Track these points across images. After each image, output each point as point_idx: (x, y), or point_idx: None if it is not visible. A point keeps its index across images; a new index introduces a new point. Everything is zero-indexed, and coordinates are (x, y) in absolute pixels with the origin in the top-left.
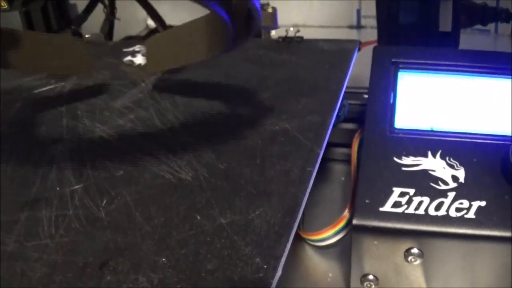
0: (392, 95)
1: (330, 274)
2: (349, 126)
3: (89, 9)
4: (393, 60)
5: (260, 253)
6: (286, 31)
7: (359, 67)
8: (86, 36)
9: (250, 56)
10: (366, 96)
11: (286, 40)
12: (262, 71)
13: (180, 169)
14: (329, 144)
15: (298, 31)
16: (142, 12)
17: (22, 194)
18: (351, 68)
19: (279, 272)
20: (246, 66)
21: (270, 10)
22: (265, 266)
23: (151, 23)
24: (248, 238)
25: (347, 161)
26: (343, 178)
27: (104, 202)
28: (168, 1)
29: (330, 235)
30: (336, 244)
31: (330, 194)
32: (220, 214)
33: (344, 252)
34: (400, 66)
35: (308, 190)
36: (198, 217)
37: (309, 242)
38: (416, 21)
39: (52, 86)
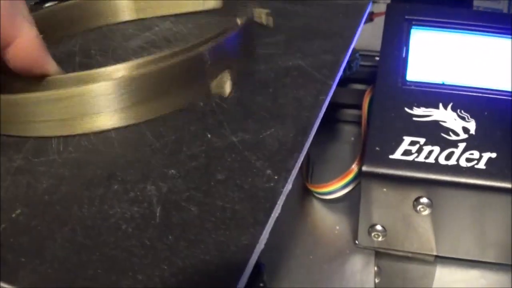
0: (404, 50)
1: (337, 227)
2: (360, 86)
3: None
4: (406, 17)
5: (271, 166)
6: None
7: (371, 34)
8: None
9: (264, 5)
10: (377, 58)
11: None
12: (276, 19)
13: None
14: (339, 105)
15: None
16: None
17: None
18: (364, 18)
19: (289, 184)
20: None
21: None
22: (275, 177)
23: None
24: (260, 154)
25: (357, 122)
26: (352, 139)
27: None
28: None
29: (338, 188)
30: (344, 198)
31: (340, 153)
32: (232, 134)
33: (351, 206)
34: (413, 22)
35: (320, 115)
36: (209, 136)
37: (317, 195)
38: None
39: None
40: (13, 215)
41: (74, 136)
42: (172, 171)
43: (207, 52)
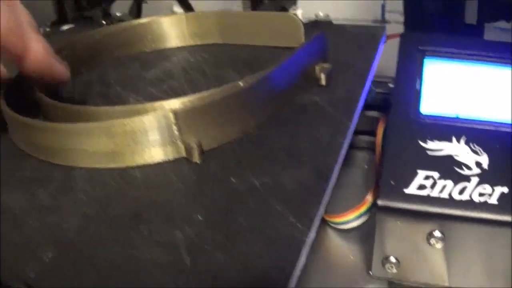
0: (418, 81)
1: (351, 257)
2: (373, 114)
3: None
4: (419, 47)
5: (293, 212)
6: (316, 15)
7: (384, 58)
8: (117, 14)
9: None
10: (391, 85)
11: (316, 23)
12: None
13: None
14: (353, 132)
15: (328, 15)
16: None
17: None
18: (379, 51)
19: (312, 233)
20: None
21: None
22: (298, 224)
23: (177, 9)
24: (282, 199)
25: (370, 149)
26: (366, 166)
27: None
28: None
29: (352, 218)
30: (358, 228)
31: (353, 180)
32: (253, 176)
33: (365, 236)
34: (427, 53)
35: (340, 160)
36: (231, 178)
37: (332, 224)
38: (443, 12)
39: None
40: (42, 256)
41: (99, 173)
42: (197, 215)
43: (252, 86)
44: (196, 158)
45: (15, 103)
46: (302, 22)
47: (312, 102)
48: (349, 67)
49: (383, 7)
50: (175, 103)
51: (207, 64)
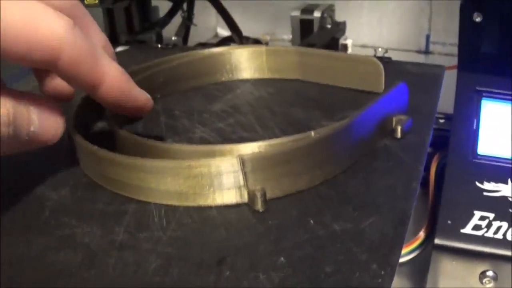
0: (475, 121)
1: None
2: None
3: (172, 12)
4: (477, 88)
5: (375, 260)
6: (375, 50)
7: None
8: (173, 38)
9: None
10: (441, 121)
11: None
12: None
13: None
14: None
15: (386, 51)
16: (212, 19)
17: None
18: (441, 92)
19: (393, 279)
20: None
21: None
22: (382, 273)
23: (220, 31)
24: (363, 246)
25: (421, 184)
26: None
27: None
28: (239, 12)
29: (404, 253)
30: (409, 262)
31: None
32: (333, 221)
33: (416, 270)
34: (484, 94)
35: (414, 205)
36: (312, 222)
37: None
38: (497, 51)
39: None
40: None
41: (174, 212)
42: (281, 259)
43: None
44: (258, 206)
45: (85, 128)
46: (383, 68)
47: (384, 147)
48: (415, 110)
49: (427, 37)
50: (245, 149)
51: (275, 100)
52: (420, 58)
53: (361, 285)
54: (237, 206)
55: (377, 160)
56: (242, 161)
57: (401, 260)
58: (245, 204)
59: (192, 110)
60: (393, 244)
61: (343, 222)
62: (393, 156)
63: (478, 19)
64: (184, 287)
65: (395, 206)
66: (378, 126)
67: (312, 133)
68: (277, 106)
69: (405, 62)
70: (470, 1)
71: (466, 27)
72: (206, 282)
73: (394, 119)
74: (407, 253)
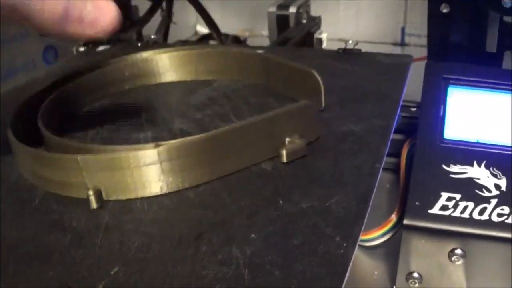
0: (442, 108)
1: (376, 272)
2: (397, 137)
3: (152, 11)
4: (444, 76)
5: (339, 233)
6: (345, 43)
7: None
8: (152, 37)
9: (316, 64)
10: (413, 109)
11: (346, 52)
12: (328, 78)
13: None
14: None
15: (357, 43)
16: (192, 17)
17: None
18: (407, 80)
19: (356, 250)
20: None
21: None
22: (344, 244)
23: (200, 29)
24: (328, 220)
25: (392, 170)
26: (388, 186)
27: (193, 185)
28: (218, 9)
29: (377, 236)
30: (382, 245)
31: (377, 199)
32: (301, 200)
33: (389, 252)
34: (450, 81)
35: (377, 183)
36: (281, 202)
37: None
38: (465, 41)
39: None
40: (112, 272)
41: (156, 198)
42: (253, 235)
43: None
44: None
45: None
46: (322, 83)
47: (350, 131)
48: (381, 97)
49: (403, 30)
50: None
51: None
52: (397, 50)
53: (325, 255)
54: (212, 188)
55: (345, 143)
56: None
57: (375, 242)
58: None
59: (171, 103)
60: (356, 219)
61: (311, 200)
62: (360, 139)
63: (445, 10)
64: (165, 260)
65: (359, 184)
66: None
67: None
68: (253, 98)
69: (375, 53)
70: None
71: (434, 17)
72: (185, 255)
73: (286, 140)
74: (380, 236)
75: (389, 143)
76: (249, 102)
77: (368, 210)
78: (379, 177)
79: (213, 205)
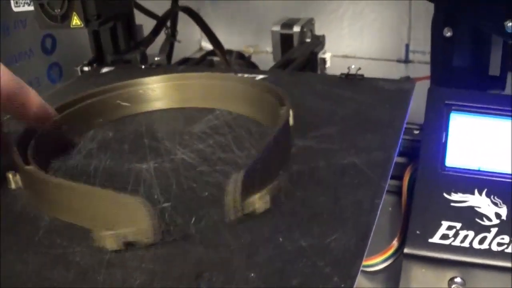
0: (444, 135)
1: None
2: (400, 159)
3: (156, 31)
4: (446, 102)
5: (337, 272)
6: (348, 68)
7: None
8: (156, 58)
9: (318, 91)
10: (416, 132)
11: (348, 77)
12: (329, 106)
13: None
14: None
15: (359, 69)
16: (196, 34)
17: None
18: (409, 107)
19: None
20: (315, 101)
21: None
22: (342, 285)
23: (205, 44)
24: (327, 259)
25: (395, 192)
26: (390, 209)
27: (193, 220)
28: (223, 25)
29: (378, 262)
30: (384, 270)
31: (379, 223)
32: (301, 238)
33: (390, 277)
34: (453, 108)
35: (376, 219)
36: (281, 239)
37: None
38: (468, 65)
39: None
40: None
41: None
42: (252, 274)
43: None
44: None
45: None
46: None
47: (351, 163)
48: (383, 126)
49: (407, 47)
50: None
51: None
52: (401, 67)
53: None
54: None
55: (345, 176)
56: None
57: (376, 268)
58: None
59: (174, 132)
60: (354, 258)
61: (310, 238)
62: (360, 173)
63: (448, 34)
64: None
65: (359, 221)
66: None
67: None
68: (254, 127)
69: (377, 78)
70: (441, 16)
71: (437, 41)
72: None
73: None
74: (381, 262)
75: (389, 176)
76: (251, 131)
77: (367, 248)
78: (378, 212)
79: (214, 243)
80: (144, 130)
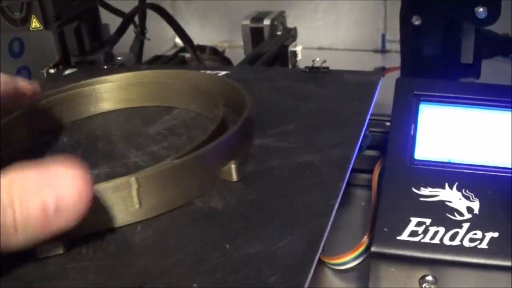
0: (413, 126)
1: None
2: (371, 153)
3: (121, 30)
4: (415, 92)
5: (284, 282)
6: (313, 61)
7: (382, 93)
8: (119, 58)
9: (278, 86)
10: (388, 124)
11: (312, 71)
12: (291, 102)
13: (211, 197)
14: (351, 170)
15: (324, 61)
16: (170, 31)
17: None
18: (374, 101)
19: None
20: (274, 97)
21: None
22: None
23: (179, 41)
24: (273, 268)
25: (368, 186)
26: (363, 203)
27: (139, 228)
28: (198, 21)
29: (349, 260)
30: (355, 268)
31: (351, 219)
32: (248, 244)
33: (362, 275)
34: (422, 98)
35: (330, 223)
36: (227, 246)
37: (329, 265)
38: (439, 53)
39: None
40: None
41: (102, 243)
42: (195, 285)
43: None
44: None
45: None
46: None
47: (307, 163)
48: (344, 121)
49: (383, 37)
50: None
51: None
52: (378, 57)
53: None
54: (159, 233)
55: (300, 176)
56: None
57: (347, 266)
58: None
59: (129, 134)
60: (303, 266)
61: (258, 245)
62: (316, 173)
63: (417, 22)
64: None
65: (310, 225)
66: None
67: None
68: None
69: (342, 71)
70: (409, 4)
71: (406, 30)
72: None
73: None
74: (352, 259)
75: (347, 175)
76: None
77: (319, 253)
78: (333, 214)
79: (158, 251)
80: (100, 133)
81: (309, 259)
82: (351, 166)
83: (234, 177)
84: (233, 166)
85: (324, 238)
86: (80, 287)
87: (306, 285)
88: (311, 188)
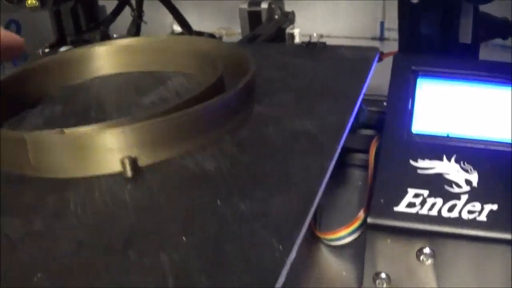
0: (410, 101)
1: (344, 273)
2: (368, 132)
3: (117, 11)
4: (412, 67)
5: (276, 236)
6: (310, 36)
7: (380, 77)
8: (114, 35)
9: (277, 61)
10: (386, 103)
11: (309, 46)
12: (287, 76)
13: (204, 160)
14: (348, 150)
15: (321, 36)
16: (168, 17)
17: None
18: (370, 75)
19: (293, 254)
20: (273, 71)
21: None
22: (280, 247)
23: (177, 28)
24: (266, 224)
25: (365, 166)
26: (360, 183)
27: (129, 187)
28: (196, 9)
29: (345, 235)
30: (351, 244)
31: (347, 197)
32: (241, 202)
33: (358, 252)
34: (419, 73)
35: (324, 182)
36: (219, 203)
37: (325, 241)
38: (437, 32)
39: (80, 81)
40: (34, 279)
41: (92, 199)
42: (184, 240)
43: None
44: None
45: None
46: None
47: (303, 129)
48: (340, 93)
49: (382, 24)
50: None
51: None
52: (376, 45)
53: (258, 259)
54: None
55: (295, 142)
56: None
57: (342, 242)
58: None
59: (123, 104)
60: (296, 222)
61: (251, 202)
62: (312, 138)
63: (415, 1)
64: (89, 268)
65: (305, 186)
66: None
67: None
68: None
69: (339, 46)
70: None
71: (404, 9)
72: (110, 263)
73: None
74: (347, 235)
75: (342, 141)
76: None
77: (312, 212)
78: (327, 177)
79: (148, 208)
80: (93, 102)
81: (302, 215)
82: (347, 130)
83: None
84: None
85: (318, 196)
86: (63, 246)
87: (299, 240)
88: (306, 151)
